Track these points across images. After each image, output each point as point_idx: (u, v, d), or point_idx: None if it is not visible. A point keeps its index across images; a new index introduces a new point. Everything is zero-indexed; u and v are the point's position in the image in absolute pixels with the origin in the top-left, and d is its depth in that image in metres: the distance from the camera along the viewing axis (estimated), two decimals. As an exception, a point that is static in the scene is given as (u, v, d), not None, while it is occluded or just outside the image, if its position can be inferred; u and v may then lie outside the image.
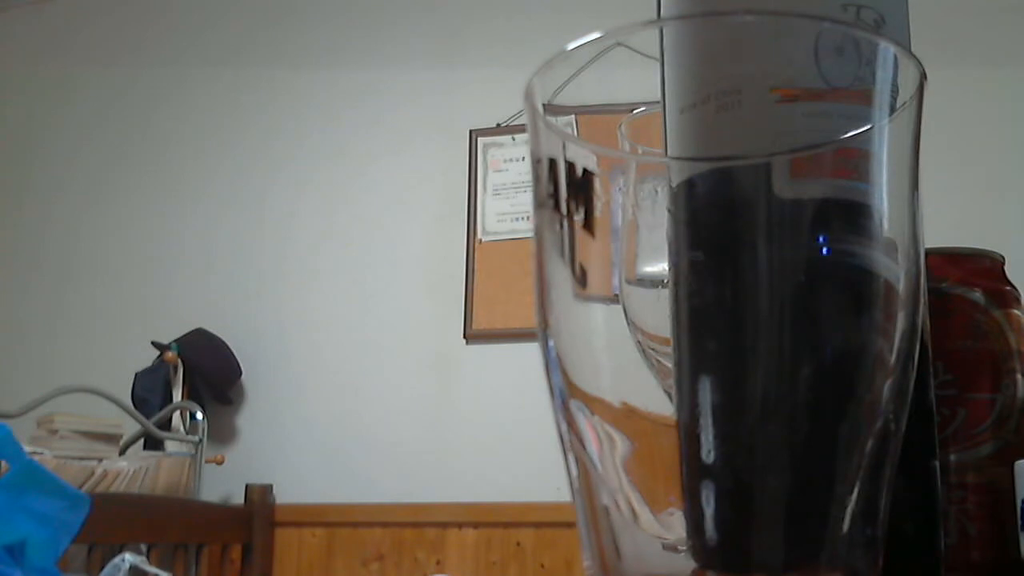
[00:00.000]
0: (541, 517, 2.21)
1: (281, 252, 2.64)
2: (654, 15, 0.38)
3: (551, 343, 0.24)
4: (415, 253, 2.54)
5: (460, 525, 2.34)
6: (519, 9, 2.54)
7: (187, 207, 2.74)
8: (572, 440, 0.23)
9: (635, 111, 0.46)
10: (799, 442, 0.25)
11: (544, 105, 0.28)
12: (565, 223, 0.22)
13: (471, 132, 2.53)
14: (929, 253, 0.49)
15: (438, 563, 2.35)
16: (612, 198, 0.26)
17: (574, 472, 0.23)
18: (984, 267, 0.51)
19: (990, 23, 2.24)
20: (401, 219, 2.57)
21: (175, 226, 2.73)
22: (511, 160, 2.48)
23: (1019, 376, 0.50)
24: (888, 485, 0.25)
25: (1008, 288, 0.51)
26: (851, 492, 0.25)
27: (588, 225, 0.22)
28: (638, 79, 0.39)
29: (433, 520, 2.35)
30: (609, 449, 0.26)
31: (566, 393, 0.24)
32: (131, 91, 2.85)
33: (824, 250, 0.24)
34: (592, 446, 0.25)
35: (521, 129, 2.38)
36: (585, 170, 0.22)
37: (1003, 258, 0.52)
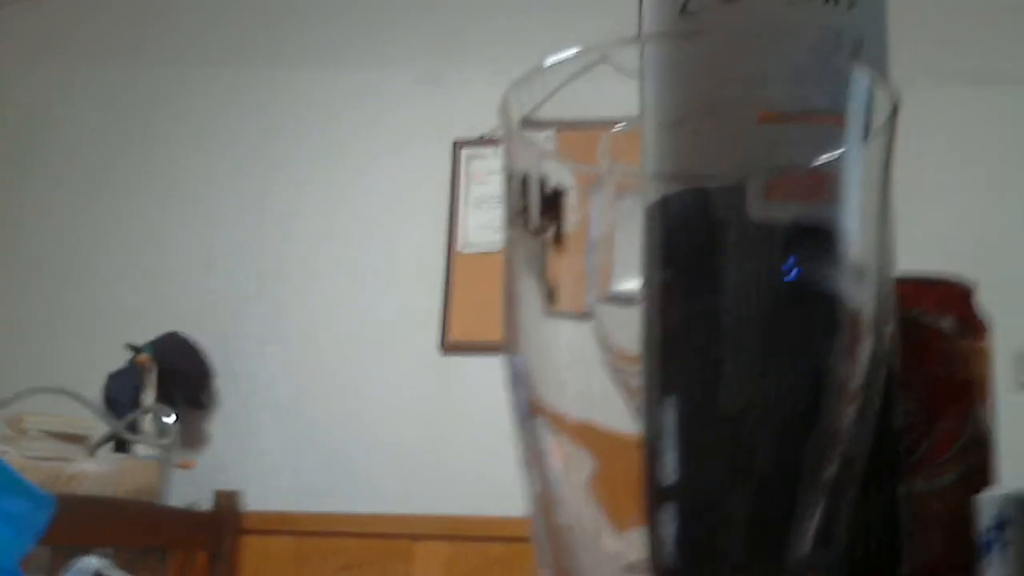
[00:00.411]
0: (513, 532, 2.20)
1: (263, 260, 2.62)
2: (632, 29, 0.39)
3: (517, 359, 0.24)
4: (399, 260, 2.53)
5: (431, 537, 2.33)
6: (518, 11, 2.55)
7: (173, 211, 2.72)
8: (533, 457, 0.23)
9: (617, 127, 0.46)
10: (762, 465, 0.25)
11: (523, 119, 0.28)
12: (535, 240, 0.22)
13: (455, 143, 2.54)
14: (899, 280, 0.50)
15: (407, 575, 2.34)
16: (589, 214, 0.26)
17: (534, 489, 0.23)
18: (954, 295, 0.51)
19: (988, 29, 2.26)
20: (383, 224, 2.56)
21: (153, 229, 2.72)
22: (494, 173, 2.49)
23: (984, 406, 0.51)
24: (848, 509, 0.25)
25: (976, 318, 0.51)
26: (812, 515, 0.25)
27: (558, 242, 0.22)
28: (621, 94, 0.40)
29: (403, 532, 2.34)
30: (572, 467, 0.26)
31: (529, 410, 0.24)
32: (130, 91, 2.84)
33: (792, 275, 0.24)
34: (554, 464, 0.25)
35: (533, 126, 2.38)
36: (556, 187, 0.22)
37: (973, 285, 0.52)
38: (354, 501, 2.38)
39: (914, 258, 0.51)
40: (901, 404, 0.49)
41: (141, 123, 2.80)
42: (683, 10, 0.34)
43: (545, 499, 0.24)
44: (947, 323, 0.50)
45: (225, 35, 2.80)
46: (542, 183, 0.22)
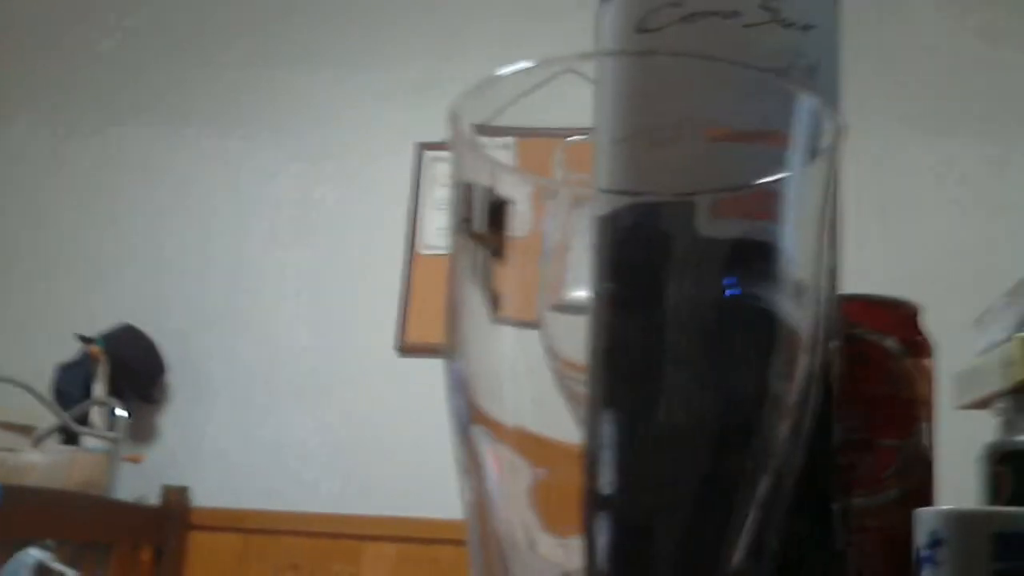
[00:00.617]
0: (461, 535, 2.18)
1: (219, 255, 2.60)
2: (591, 42, 0.39)
3: (456, 365, 0.24)
4: (359, 261, 2.52)
5: (379, 539, 2.32)
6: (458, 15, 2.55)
7: (128, 202, 2.69)
8: (470, 464, 0.24)
9: (572, 138, 0.46)
10: (696, 478, 0.25)
11: (482, 126, 0.28)
12: (479, 249, 0.23)
13: (419, 145, 2.53)
14: (847, 299, 0.50)
15: (354, 576, 2.33)
16: (543, 223, 0.26)
17: (469, 496, 0.23)
18: (900, 316, 0.52)
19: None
20: (345, 224, 2.55)
21: (112, 220, 2.69)
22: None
23: (926, 425, 0.52)
24: (780, 522, 0.26)
25: (921, 338, 0.52)
26: (744, 528, 0.25)
27: (499, 253, 0.22)
28: (584, 104, 0.40)
29: (352, 532, 2.33)
30: (511, 476, 0.26)
31: (468, 417, 0.24)
32: (83, 81, 2.80)
33: (732, 291, 0.24)
34: (492, 472, 0.25)
35: (488, 131, 2.38)
36: (501, 198, 0.22)
37: (919, 308, 0.53)
38: (303, 500, 2.37)
39: (866, 278, 0.52)
40: (844, 420, 0.49)
41: (92, 115, 2.77)
42: (640, 27, 0.34)
43: (480, 506, 0.24)
44: (892, 342, 0.51)
45: (180, 34, 2.78)
46: (488, 193, 0.22)
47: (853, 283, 0.49)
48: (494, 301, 0.25)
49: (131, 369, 2.42)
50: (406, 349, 2.42)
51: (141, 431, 2.49)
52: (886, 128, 2.19)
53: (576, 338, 0.35)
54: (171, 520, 2.31)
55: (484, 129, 0.29)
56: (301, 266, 2.55)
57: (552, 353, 0.36)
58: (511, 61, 0.22)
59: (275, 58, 2.70)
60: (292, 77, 2.67)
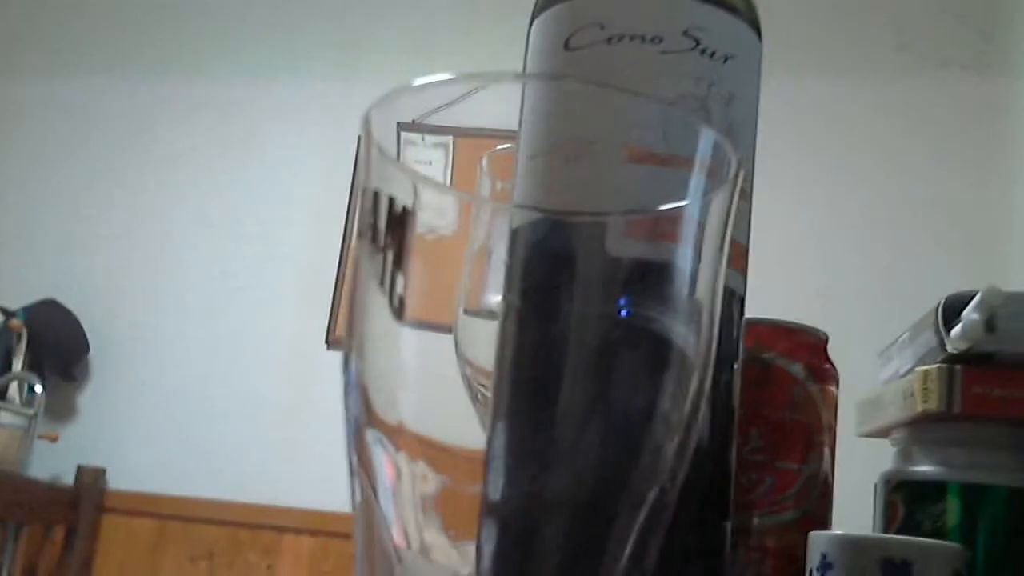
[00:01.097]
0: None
1: (150, 233, 2.57)
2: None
3: (353, 367, 0.24)
4: (293, 252, 2.50)
5: (297, 531, 2.30)
6: (417, 17, 2.55)
7: (53, 174, 2.65)
8: (361, 466, 0.24)
9: (498, 147, 0.47)
10: (583, 490, 0.26)
11: (415, 122, 0.29)
12: (381, 256, 0.23)
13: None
14: (758, 323, 0.52)
15: (269, 567, 2.31)
16: (465, 226, 0.26)
17: (357, 499, 0.24)
18: (808, 343, 0.54)
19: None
20: (281, 215, 2.53)
21: (37, 192, 2.64)
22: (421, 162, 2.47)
23: (826, 450, 0.53)
24: (662, 538, 0.27)
25: (828, 366, 0.54)
26: (626, 543, 0.26)
27: (399, 263, 0.23)
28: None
29: (269, 523, 2.31)
30: (407, 481, 0.26)
31: (362, 421, 0.24)
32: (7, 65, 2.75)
33: (625, 311, 0.25)
34: (386, 476, 0.26)
35: (423, 129, 2.38)
36: (404, 207, 0.22)
37: (827, 336, 0.54)
38: (221, 489, 2.34)
39: (771, 307, 0.54)
40: (747, 441, 0.51)
41: (20, 94, 2.72)
42: (566, 45, 0.35)
43: (368, 508, 0.24)
44: (798, 368, 0.52)
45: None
46: (391, 201, 0.22)
47: (761, 308, 0.50)
48: (398, 308, 0.25)
49: (52, 345, 2.38)
50: (334, 342, 2.41)
51: (59, 409, 2.44)
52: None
53: (487, 344, 0.35)
54: (85, 501, 2.27)
55: (422, 127, 0.30)
56: (231, 250, 2.53)
57: (464, 358, 0.36)
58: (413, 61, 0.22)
59: (242, 46, 2.67)
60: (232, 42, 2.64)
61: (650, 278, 0.27)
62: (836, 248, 2.24)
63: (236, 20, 2.69)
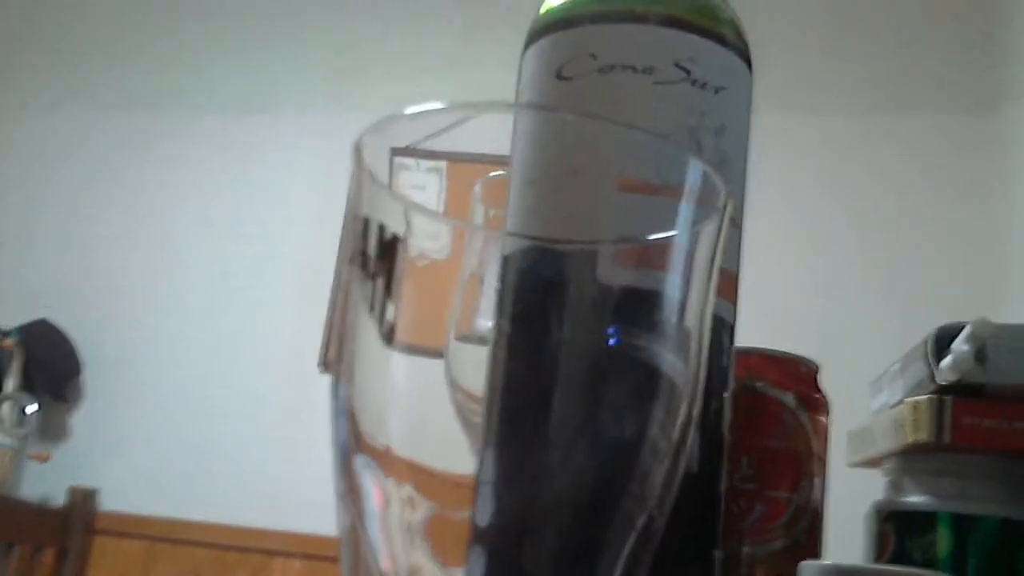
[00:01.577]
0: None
1: (150, 233, 2.56)
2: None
3: (342, 391, 0.24)
4: (293, 252, 2.50)
5: (287, 555, 2.29)
6: (421, 35, 2.56)
7: (53, 174, 2.65)
8: (348, 493, 0.24)
9: (492, 174, 0.47)
10: (569, 520, 0.26)
11: (410, 147, 0.29)
12: (371, 282, 0.23)
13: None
14: (750, 352, 0.52)
15: (259, 590, 2.30)
16: (458, 252, 0.27)
17: (345, 522, 0.24)
18: (799, 372, 0.54)
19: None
20: (281, 215, 2.53)
21: (37, 192, 2.64)
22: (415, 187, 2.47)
23: (817, 480, 0.53)
24: (649, 565, 0.27)
25: (818, 395, 0.54)
26: (615, 570, 0.26)
27: (389, 289, 0.23)
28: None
29: (260, 546, 2.30)
30: (396, 506, 0.26)
31: (351, 446, 0.24)
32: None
33: (615, 339, 0.25)
34: (374, 501, 0.26)
35: (417, 154, 2.38)
36: (394, 235, 0.22)
37: (817, 366, 0.55)
38: (212, 511, 2.33)
39: (764, 335, 0.54)
40: (737, 470, 0.51)
41: (14, 110, 2.73)
42: (559, 75, 0.35)
43: (355, 533, 0.24)
44: (789, 397, 0.52)
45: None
46: (381, 228, 0.23)
47: (758, 337, 0.51)
48: (388, 334, 0.26)
49: (45, 365, 2.37)
50: (329, 365, 2.40)
51: (51, 429, 2.43)
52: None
53: (477, 370, 0.35)
54: (76, 523, 2.26)
55: (416, 152, 0.30)
56: (231, 250, 2.52)
57: (454, 384, 0.36)
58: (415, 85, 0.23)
59: (239, 58, 2.68)
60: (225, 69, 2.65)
61: (640, 306, 0.27)
62: (829, 277, 2.25)
63: (236, 20, 2.70)
